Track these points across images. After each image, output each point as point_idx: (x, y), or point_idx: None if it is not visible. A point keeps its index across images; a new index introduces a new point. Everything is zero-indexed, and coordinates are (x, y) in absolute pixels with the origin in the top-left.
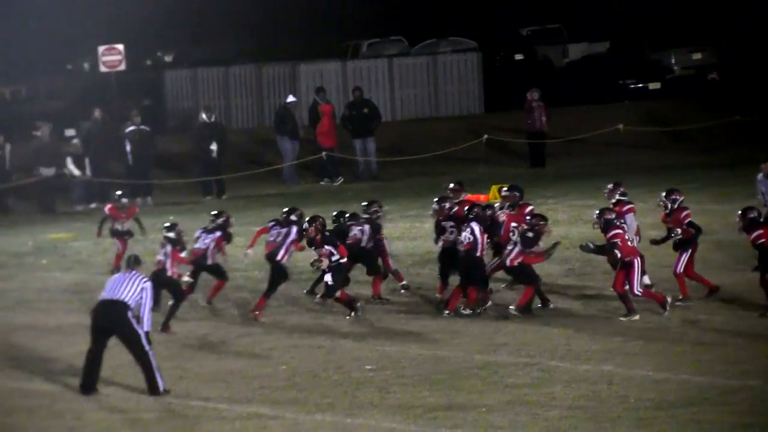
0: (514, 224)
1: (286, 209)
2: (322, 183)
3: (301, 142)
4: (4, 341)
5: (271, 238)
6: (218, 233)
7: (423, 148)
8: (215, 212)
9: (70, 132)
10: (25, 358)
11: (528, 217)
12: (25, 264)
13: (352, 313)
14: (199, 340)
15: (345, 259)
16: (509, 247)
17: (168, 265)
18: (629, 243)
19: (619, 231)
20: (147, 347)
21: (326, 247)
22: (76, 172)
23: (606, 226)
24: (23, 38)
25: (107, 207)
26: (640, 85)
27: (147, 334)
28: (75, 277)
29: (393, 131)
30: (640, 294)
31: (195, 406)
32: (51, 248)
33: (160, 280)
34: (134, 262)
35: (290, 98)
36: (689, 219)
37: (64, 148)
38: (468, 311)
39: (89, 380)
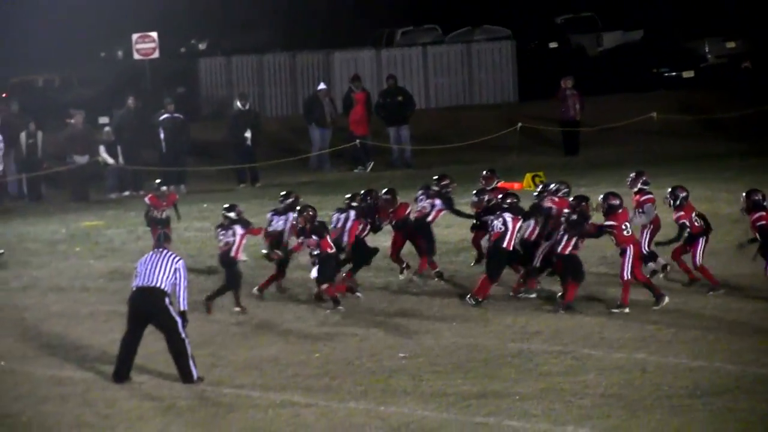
0: (566, 210)
1: (348, 196)
2: (355, 171)
3: (333, 130)
4: (37, 329)
5: (332, 225)
6: (291, 214)
7: (457, 136)
8: (283, 192)
9: (103, 120)
10: (58, 345)
11: (570, 199)
12: (58, 252)
13: (339, 308)
14: (232, 328)
15: (333, 250)
16: (560, 234)
17: (234, 247)
18: (625, 232)
19: (614, 223)
20: (183, 335)
21: (314, 237)
22: (110, 160)
23: (608, 211)
24: (57, 26)
25: (147, 197)
26: (674, 73)
27: (183, 313)
28: (108, 264)
29: (427, 119)
30: (624, 280)
31: (228, 394)
32: (84, 236)
33: (223, 262)
34: (164, 240)
35: (321, 86)
36: (682, 221)
37: (97, 135)
38: (472, 301)
39: (123, 368)
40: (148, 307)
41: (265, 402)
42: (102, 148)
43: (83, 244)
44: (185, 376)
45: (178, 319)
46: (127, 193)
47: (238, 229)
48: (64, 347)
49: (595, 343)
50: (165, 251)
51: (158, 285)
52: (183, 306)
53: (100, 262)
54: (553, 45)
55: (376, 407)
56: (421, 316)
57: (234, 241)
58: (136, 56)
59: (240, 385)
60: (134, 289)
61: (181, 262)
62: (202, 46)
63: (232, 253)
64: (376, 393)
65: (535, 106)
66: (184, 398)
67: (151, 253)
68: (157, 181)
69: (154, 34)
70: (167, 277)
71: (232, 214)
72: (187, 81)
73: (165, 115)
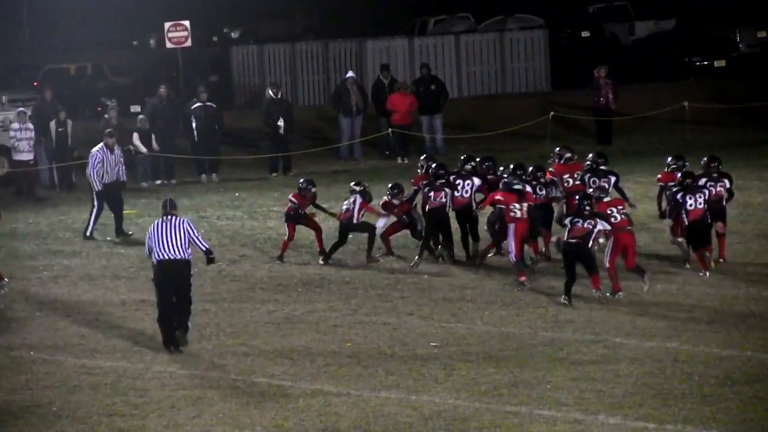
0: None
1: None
2: (398, 161)
3: (365, 119)
4: (68, 318)
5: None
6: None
7: (490, 124)
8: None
9: (135, 108)
10: (89, 335)
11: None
12: (89, 240)
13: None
14: (264, 317)
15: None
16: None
17: (354, 212)
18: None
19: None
20: (191, 302)
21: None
22: (143, 148)
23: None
24: (89, 14)
25: (292, 195)
26: (706, 62)
27: (209, 251)
28: (139, 253)
29: (460, 108)
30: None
31: (259, 384)
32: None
33: (344, 226)
34: (170, 207)
35: (348, 74)
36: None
37: (129, 125)
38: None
39: (171, 336)
40: (175, 278)
41: (297, 391)
42: (135, 136)
43: (113, 233)
44: (181, 339)
45: (193, 293)
46: (159, 181)
47: (359, 198)
48: (95, 337)
49: (628, 332)
50: (173, 218)
51: (182, 256)
52: (204, 247)
53: (132, 250)
54: (585, 34)
55: (408, 396)
56: (454, 305)
57: (354, 208)
58: (169, 45)
59: (271, 375)
60: (158, 262)
61: (186, 222)
62: (234, 35)
63: (354, 220)
64: (408, 382)
65: (568, 94)
66: (216, 388)
67: (159, 221)
68: (301, 180)
69: (186, 23)
70: (184, 242)
71: (357, 187)
72: (219, 70)
73: (197, 104)
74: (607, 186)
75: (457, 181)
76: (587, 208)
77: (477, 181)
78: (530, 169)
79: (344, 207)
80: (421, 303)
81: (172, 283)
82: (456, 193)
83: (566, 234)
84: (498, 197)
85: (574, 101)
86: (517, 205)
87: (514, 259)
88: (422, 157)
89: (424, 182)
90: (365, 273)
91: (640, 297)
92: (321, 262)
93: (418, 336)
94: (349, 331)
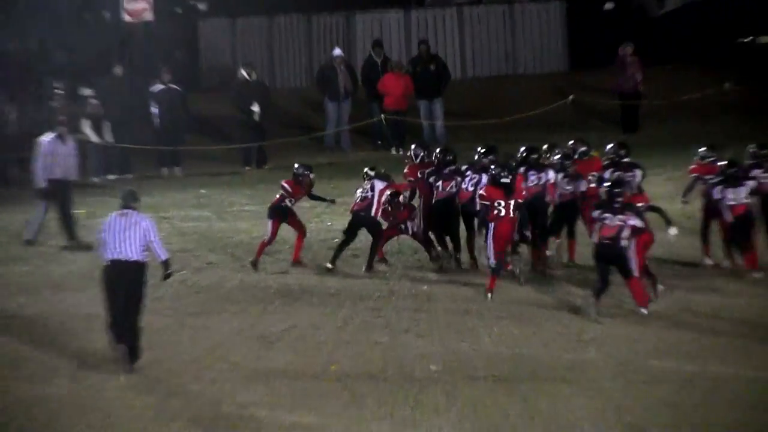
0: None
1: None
2: (392, 152)
3: (353, 103)
4: (2, 336)
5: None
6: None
7: (497, 110)
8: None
9: (87, 91)
10: (28, 355)
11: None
12: (29, 245)
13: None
14: (236, 334)
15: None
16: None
17: (374, 203)
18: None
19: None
20: (143, 308)
21: None
22: (93, 137)
23: None
24: None
25: (285, 181)
26: (748, 38)
27: (166, 262)
28: (88, 261)
29: (463, 91)
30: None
31: (229, 414)
32: (61, 227)
33: (359, 219)
34: (132, 200)
35: (336, 51)
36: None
37: (80, 109)
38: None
39: (121, 331)
40: (125, 282)
41: (273, 423)
42: (86, 124)
43: (60, 236)
44: (134, 351)
45: (145, 295)
46: (112, 176)
47: (378, 184)
48: (34, 358)
49: (663, 352)
50: (131, 213)
51: (134, 258)
52: (163, 256)
53: (80, 257)
54: (609, 6)
55: (404, 429)
56: (457, 320)
57: (372, 195)
58: (126, 18)
59: (243, 404)
60: (108, 262)
61: (146, 221)
62: (201, 6)
63: (372, 212)
64: (404, 412)
65: (589, 75)
66: (177, 419)
67: (115, 215)
68: (296, 165)
69: None
70: (139, 244)
71: (372, 171)
72: (184, 47)
73: (159, 87)
74: (631, 181)
75: (467, 172)
76: (618, 199)
77: (485, 179)
78: (557, 157)
79: (359, 196)
80: (418, 318)
81: (123, 287)
82: (462, 185)
83: (595, 234)
84: (481, 192)
85: (596, 83)
86: (502, 202)
87: (493, 262)
88: (413, 146)
89: (428, 171)
90: (354, 283)
91: (677, 310)
92: (329, 266)
93: (416, 357)
94: (334, 351)
